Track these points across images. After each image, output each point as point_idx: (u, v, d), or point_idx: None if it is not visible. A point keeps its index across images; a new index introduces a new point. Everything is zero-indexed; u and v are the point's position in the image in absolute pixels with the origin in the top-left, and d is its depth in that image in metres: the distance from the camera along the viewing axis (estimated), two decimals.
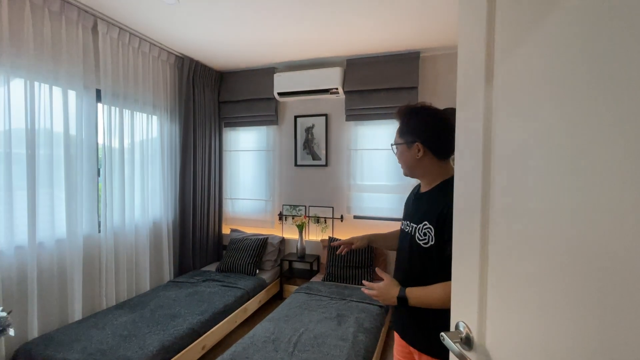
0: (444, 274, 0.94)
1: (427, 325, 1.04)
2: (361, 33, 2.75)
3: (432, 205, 1.04)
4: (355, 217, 3.45)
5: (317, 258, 3.46)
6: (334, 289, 2.80)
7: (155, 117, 3.04)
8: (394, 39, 2.86)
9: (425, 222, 1.03)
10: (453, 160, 1.05)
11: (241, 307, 2.70)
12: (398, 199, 3.28)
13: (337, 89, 3.27)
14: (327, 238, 3.38)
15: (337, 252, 1.39)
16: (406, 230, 1.13)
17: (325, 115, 3.51)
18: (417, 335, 1.09)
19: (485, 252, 0.69)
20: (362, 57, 3.25)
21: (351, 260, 3.09)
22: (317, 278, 3.17)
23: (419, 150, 1.07)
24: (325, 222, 3.54)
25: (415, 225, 1.07)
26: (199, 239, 3.46)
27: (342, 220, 3.48)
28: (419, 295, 1.00)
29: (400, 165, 1.14)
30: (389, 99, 3.18)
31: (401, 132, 1.11)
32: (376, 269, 1.18)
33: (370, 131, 3.37)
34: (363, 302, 2.55)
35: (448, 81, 3.11)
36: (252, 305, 2.88)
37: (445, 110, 1.18)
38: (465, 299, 0.76)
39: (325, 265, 3.20)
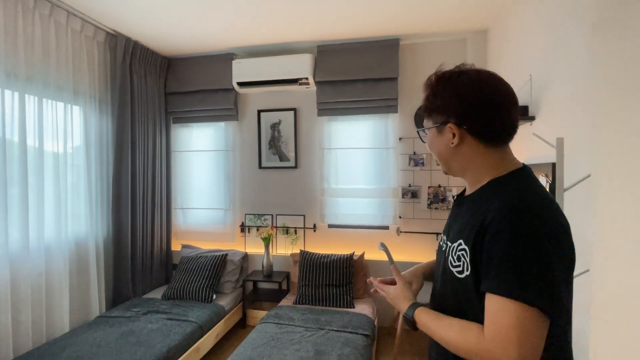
0: (478, 315, 0.65)
1: None
2: (333, 14, 2.34)
3: (472, 215, 0.70)
4: (330, 226, 3.01)
5: (287, 275, 2.97)
6: (308, 315, 2.33)
7: (77, 108, 2.38)
8: (369, 22, 2.48)
9: (460, 241, 0.70)
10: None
11: (192, 348, 2.13)
12: (378, 204, 2.90)
13: (307, 79, 2.84)
14: (297, 252, 2.91)
15: (372, 291, 0.93)
16: (443, 247, 0.81)
17: (294, 109, 3.05)
18: None
19: None
20: (335, 43, 2.85)
21: (327, 278, 2.64)
22: (288, 300, 2.68)
23: (453, 135, 0.73)
24: (296, 233, 3.06)
25: (450, 244, 0.75)
26: (140, 259, 2.82)
27: (315, 230, 3.03)
28: (427, 323, 0.73)
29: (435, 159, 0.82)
30: (366, 92, 2.80)
31: (429, 111, 0.77)
32: (391, 266, 0.88)
33: (345, 127, 2.97)
34: (345, 332, 2.11)
35: (430, 71, 2.79)
36: (207, 342, 2.31)
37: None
38: None
39: (297, 285, 2.72)
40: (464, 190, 0.83)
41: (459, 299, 0.71)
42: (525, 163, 1.98)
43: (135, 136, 2.75)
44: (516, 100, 0.72)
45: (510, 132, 0.72)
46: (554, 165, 1.63)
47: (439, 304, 0.78)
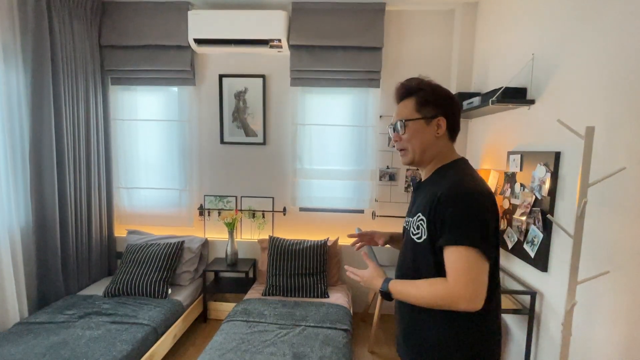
0: (434, 271, 0.85)
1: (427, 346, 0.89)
2: None
3: (427, 193, 0.90)
4: (302, 209, 2.77)
5: (254, 263, 2.71)
6: (281, 310, 2.12)
7: None
8: None
9: (419, 214, 0.90)
10: None
11: (145, 355, 1.81)
12: (354, 187, 2.70)
13: (279, 41, 2.44)
14: (266, 237, 2.64)
15: (356, 249, 1.20)
16: (405, 227, 1.00)
17: (263, 76, 2.65)
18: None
19: None
20: (314, 0, 2.46)
21: (299, 266, 2.43)
22: (256, 292, 2.43)
23: (438, 127, 0.92)
24: (264, 217, 2.77)
25: (411, 219, 0.94)
26: (73, 249, 2.34)
27: (285, 214, 2.77)
28: (400, 290, 0.89)
29: (406, 149, 0.94)
30: (347, 61, 2.50)
31: (421, 104, 0.92)
32: (362, 253, 1.07)
33: (322, 101, 2.66)
34: (323, 327, 1.94)
35: (416, 44, 2.57)
36: (163, 346, 2.00)
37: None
38: None
39: (266, 274, 2.48)
40: (420, 178, 1.01)
41: (417, 262, 0.89)
42: (520, 150, 1.84)
43: (60, 98, 2.18)
44: None
45: (458, 131, 0.96)
46: (557, 154, 1.53)
47: (402, 272, 0.96)
